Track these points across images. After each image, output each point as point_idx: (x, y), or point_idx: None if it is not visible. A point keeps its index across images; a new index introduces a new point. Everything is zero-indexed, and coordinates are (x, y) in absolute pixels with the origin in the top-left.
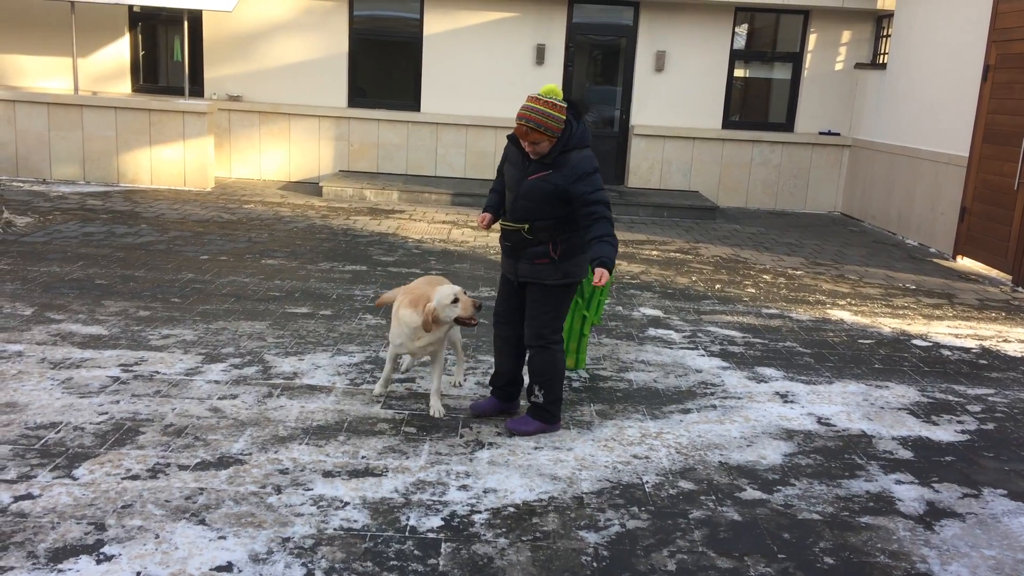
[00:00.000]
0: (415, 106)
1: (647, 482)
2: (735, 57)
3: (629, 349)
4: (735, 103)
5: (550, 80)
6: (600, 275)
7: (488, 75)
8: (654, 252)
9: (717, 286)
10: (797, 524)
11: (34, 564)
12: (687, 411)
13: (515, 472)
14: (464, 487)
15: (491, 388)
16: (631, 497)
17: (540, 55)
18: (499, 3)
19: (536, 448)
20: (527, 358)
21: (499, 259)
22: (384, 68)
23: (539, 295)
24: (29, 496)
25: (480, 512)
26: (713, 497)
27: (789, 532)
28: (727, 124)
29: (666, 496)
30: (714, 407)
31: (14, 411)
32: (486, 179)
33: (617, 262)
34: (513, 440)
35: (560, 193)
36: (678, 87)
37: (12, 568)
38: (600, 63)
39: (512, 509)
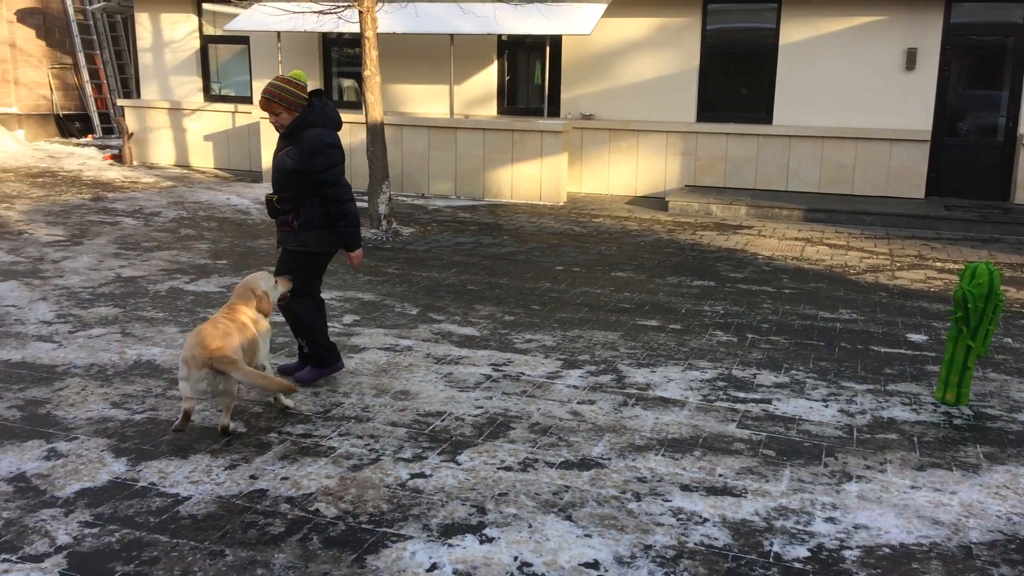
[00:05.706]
0: (766, 118)
1: None
2: None
3: (1021, 387)
4: None
5: (921, 87)
6: (350, 258)
7: (848, 83)
8: None
9: None
10: None
11: (428, 536)
12: None
13: (889, 510)
14: (831, 519)
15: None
16: None
17: (911, 59)
18: (865, 6)
19: (913, 487)
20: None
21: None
22: (735, 81)
23: (284, 257)
24: (422, 475)
25: (851, 548)
26: None
27: None
28: None
29: None
30: None
31: (407, 398)
32: (843, 194)
33: (1007, 288)
34: (885, 476)
35: (298, 167)
36: None
37: (411, 537)
38: (981, 66)
39: (887, 550)
